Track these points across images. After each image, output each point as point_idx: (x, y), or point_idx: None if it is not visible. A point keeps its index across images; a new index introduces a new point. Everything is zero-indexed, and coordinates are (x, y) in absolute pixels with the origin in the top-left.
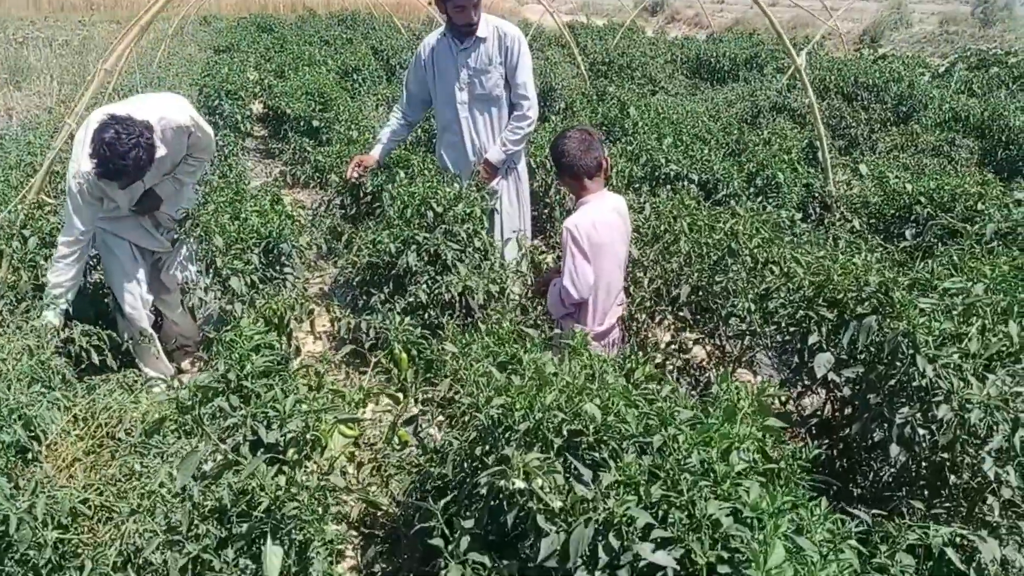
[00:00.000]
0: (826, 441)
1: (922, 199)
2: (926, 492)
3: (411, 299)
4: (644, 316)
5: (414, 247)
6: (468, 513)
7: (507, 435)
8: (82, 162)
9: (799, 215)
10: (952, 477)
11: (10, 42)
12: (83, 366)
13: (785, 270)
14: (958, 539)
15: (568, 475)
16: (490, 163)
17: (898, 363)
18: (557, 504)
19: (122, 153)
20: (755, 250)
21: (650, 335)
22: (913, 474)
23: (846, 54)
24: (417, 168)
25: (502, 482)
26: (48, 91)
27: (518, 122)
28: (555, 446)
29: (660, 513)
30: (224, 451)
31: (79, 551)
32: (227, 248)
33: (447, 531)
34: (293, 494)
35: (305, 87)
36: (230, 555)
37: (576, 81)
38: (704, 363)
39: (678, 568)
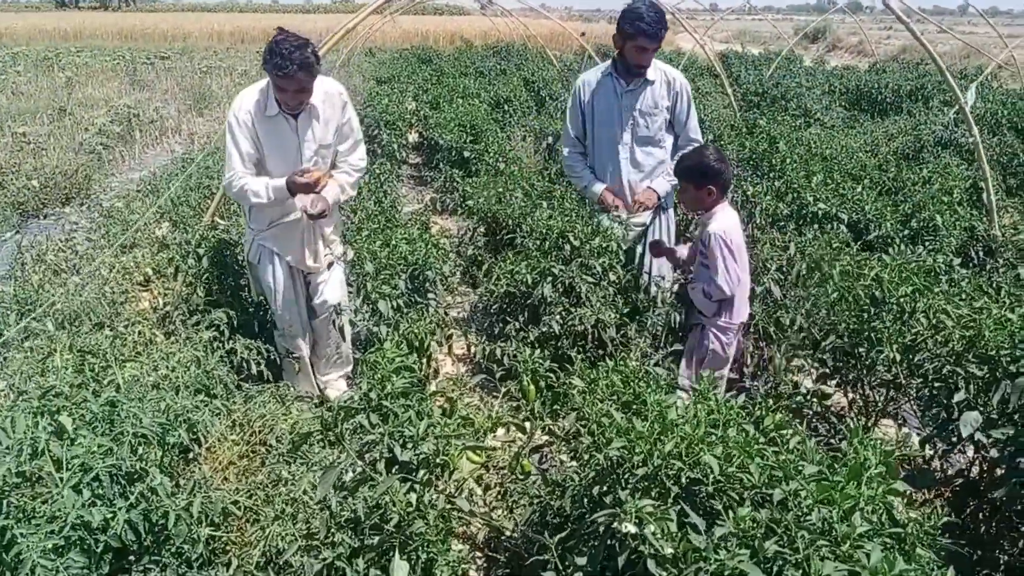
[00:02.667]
0: (972, 503)
1: None
2: None
3: (544, 328)
4: (783, 359)
5: (550, 279)
6: (582, 549)
7: (625, 478)
8: (244, 99)
9: (957, 260)
10: None
11: (195, 71)
12: (243, 375)
13: (933, 322)
14: None
15: (683, 523)
16: (655, 191)
17: None
18: (668, 551)
19: (292, 47)
20: (902, 299)
21: (789, 378)
22: None
23: (1012, 86)
24: (558, 200)
25: (615, 524)
26: (225, 118)
27: None
28: (672, 493)
29: (775, 569)
30: (361, 467)
31: (227, 549)
32: (377, 273)
33: (560, 565)
34: (422, 513)
35: (458, 118)
36: (361, 565)
37: (726, 112)
38: (844, 411)
39: None
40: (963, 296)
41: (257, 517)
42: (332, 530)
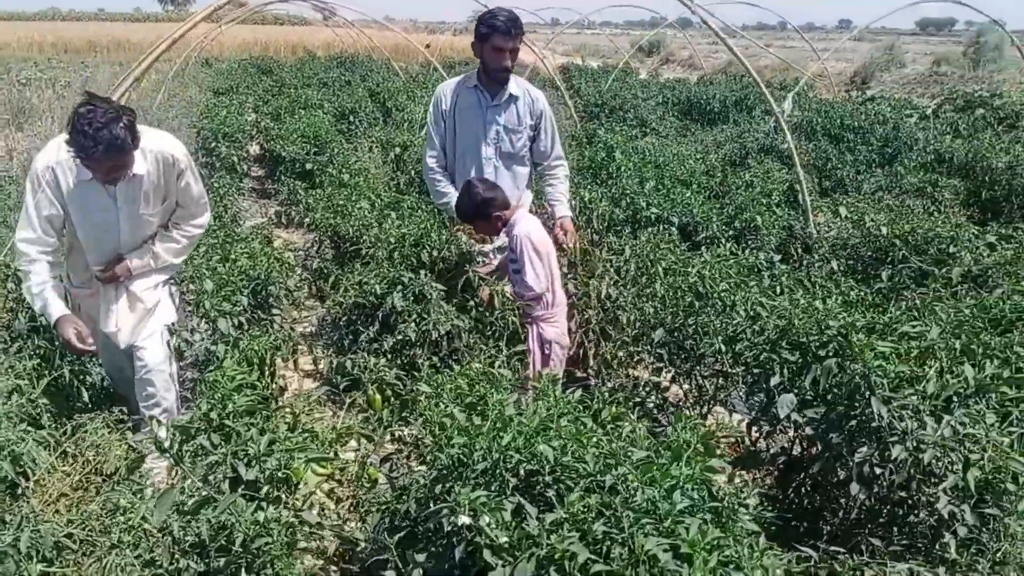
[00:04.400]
0: (796, 479)
1: (897, 241)
2: (893, 529)
3: (399, 337)
4: (623, 355)
5: (400, 288)
6: (422, 547)
7: (465, 475)
8: (51, 153)
9: (778, 257)
10: (911, 515)
11: (13, 84)
12: (74, 402)
13: (751, 313)
14: None
15: (518, 512)
16: (572, 219)
17: (856, 404)
18: (503, 539)
19: (99, 126)
20: (722, 293)
21: (629, 373)
22: (874, 512)
23: (835, 96)
24: (408, 209)
25: (452, 517)
26: (49, 132)
27: (566, 181)
28: (511, 485)
29: (604, 549)
30: (199, 488)
31: None
32: (217, 290)
33: (400, 564)
34: (266, 529)
35: (300, 130)
36: None
37: (568, 123)
38: (682, 401)
39: None
40: (782, 290)
41: (94, 549)
42: (176, 556)
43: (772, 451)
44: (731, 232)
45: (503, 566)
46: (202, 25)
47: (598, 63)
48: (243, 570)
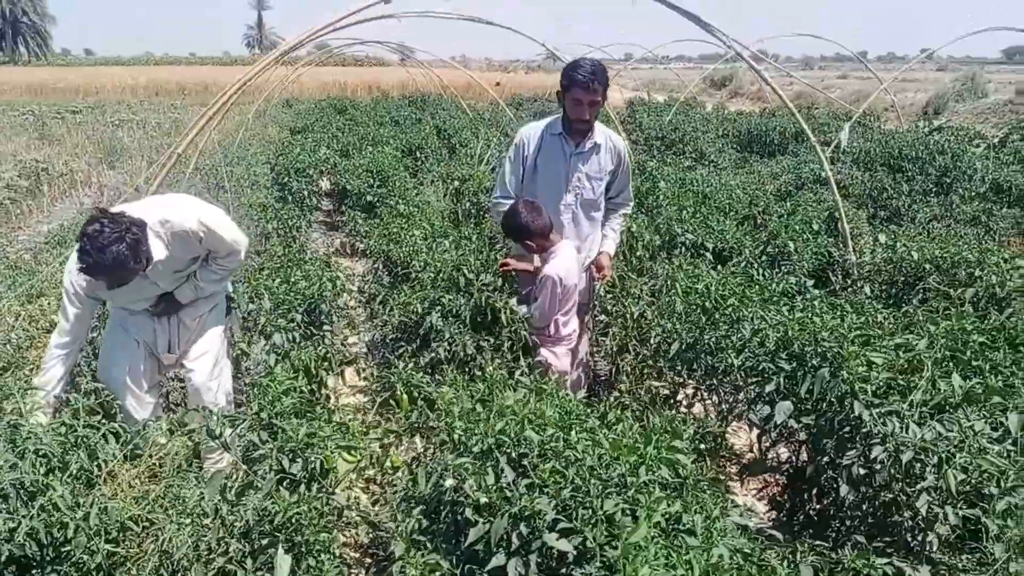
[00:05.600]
0: (803, 486)
1: (927, 265)
2: (884, 531)
3: (432, 355)
4: (646, 369)
5: (439, 308)
6: (420, 511)
7: (464, 455)
8: (74, 263)
9: (811, 281)
10: (896, 515)
11: (107, 125)
12: None
13: (754, 328)
14: (891, 569)
15: (498, 478)
16: (610, 255)
17: (844, 410)
18: (484, 500)
19: (102, 247)
20: (728, 309)
21: (652, 386)
22: (866, 515)
23: (899, 126)
24: (456, 239)
25: (442, 482)
26: (138, 170)
27: (623, 218)
28: (500, 464)
29: (572, 513)
30: (245, 470)
31: (126, 562)
32: (274, 308)
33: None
34: (299, 504)
35: (365, 165)
36: (250, 565)
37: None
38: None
39: (576, 552)
40: (814, 313)
41: (155, 532)
42: (225, 538)
43: (780, 460)
44: (764, 258)
45: (483, 522)
46: (282, 68)
47: (664, 97)
48: (279, 545)
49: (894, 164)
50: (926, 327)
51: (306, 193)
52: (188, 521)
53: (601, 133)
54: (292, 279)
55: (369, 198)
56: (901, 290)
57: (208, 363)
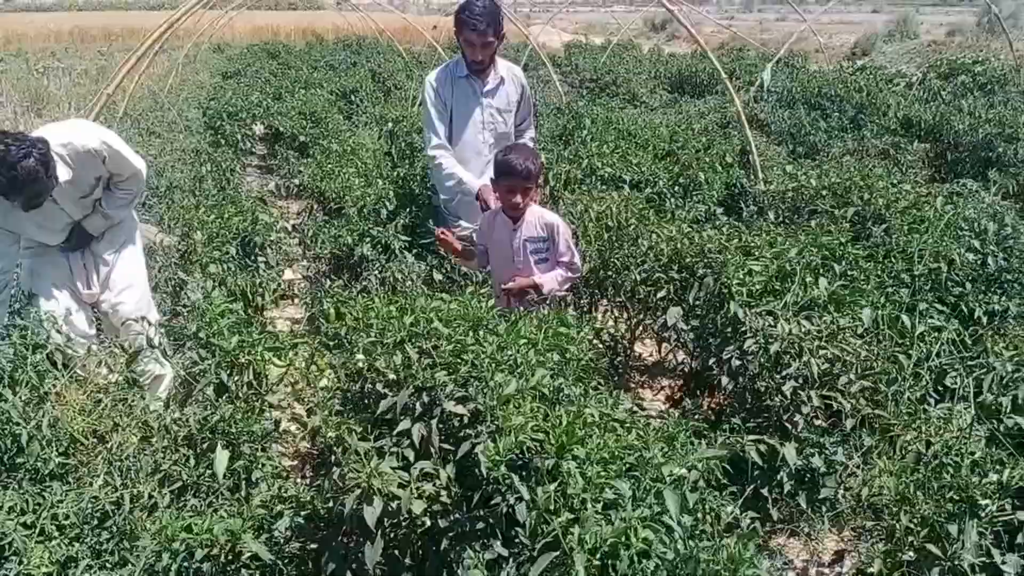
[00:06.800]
0: (694, 384)
1: (824, 192)
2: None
3: (364, 283)
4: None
5: (368, 240)
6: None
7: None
8: None
9: (720, 209)
10: (768, 401)
11: (32, 72)
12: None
13: (650, 244)
14: (761, 445)
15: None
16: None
17: (724, 310)
18: (391, 376)
19: (12, 163)
20: (630, 229)
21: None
22: (743, 400)
23: (823, 66)
24: (399, 179)
25: (355, 364)
26: (66, 117)
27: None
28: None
29: (467, 388)
30: (183, 375)
31: (77, 469)
32: (208, 241)
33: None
34: (230, 398)
35: (298, 107)
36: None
37: (556, 99)
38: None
39: (470, 416)
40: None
41: (104, 441)
42: (170, 446)
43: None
44: (677, 188)
45: (392, 396)
46: (211, 12)
47: (603, 40)
48: (218, 442)
49: (814, 103)
50: (798, 238)
51: (239, 137)
52: (135, 430)
53: (503, 66)
54: (226, 215)
55: (302, 139)
56: (800, 215)
57: (135, 295)
